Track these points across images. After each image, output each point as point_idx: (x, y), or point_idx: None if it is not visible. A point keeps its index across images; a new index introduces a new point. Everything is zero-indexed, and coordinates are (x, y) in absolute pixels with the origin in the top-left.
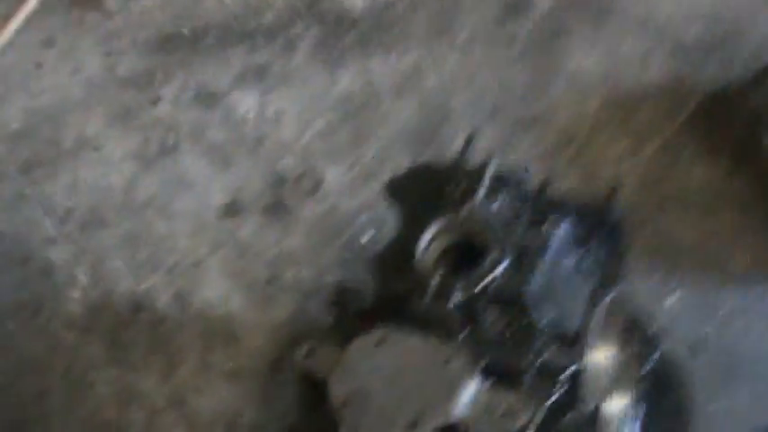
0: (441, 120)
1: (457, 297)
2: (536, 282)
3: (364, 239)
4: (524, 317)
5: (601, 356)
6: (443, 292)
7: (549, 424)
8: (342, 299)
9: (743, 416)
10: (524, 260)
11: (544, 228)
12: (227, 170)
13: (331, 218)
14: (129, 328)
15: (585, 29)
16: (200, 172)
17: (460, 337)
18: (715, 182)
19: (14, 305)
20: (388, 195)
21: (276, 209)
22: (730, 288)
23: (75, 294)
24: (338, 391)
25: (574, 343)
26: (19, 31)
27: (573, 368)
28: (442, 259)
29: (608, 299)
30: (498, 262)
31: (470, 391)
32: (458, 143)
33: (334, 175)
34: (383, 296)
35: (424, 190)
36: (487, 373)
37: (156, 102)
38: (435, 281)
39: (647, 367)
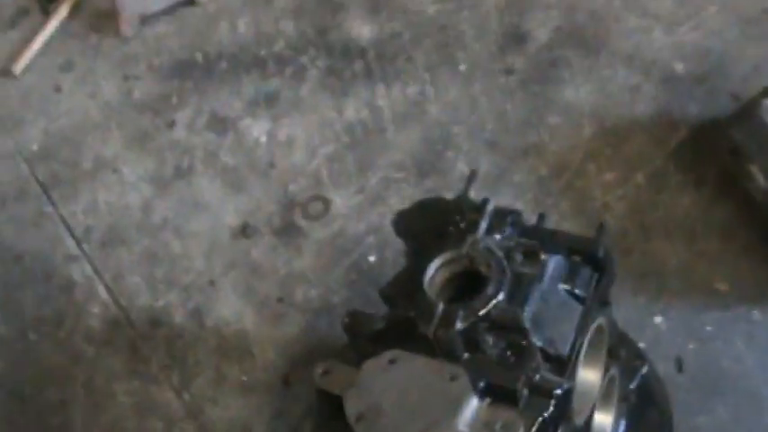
0: (442, 148)
1: (460, 323)
2: (531, 308)
3: (370, 260)
4: (520, 340)
5: (590, 375)
6: (448, 318)
7: None
8: (355, 323)
9: (725, 430)
10: (520, 289)
11: (538, 259)
12: (240, 193)
13: (339, 239)
14: (147, 342)
15: (579, 62)
16: (214, 194)
17: (463, 358)
18: (699, 210)
19: (37, 319)
20: (395, 229)
21: (287, 230)
22: (712, 309)
23: (96, 309)
24: (353, 406)
25: (565, 364)
26: (38, 56)
27: (564, 387)
28: (446, 288)
29: (597, 322)
30: (497, 291)
31: (472, 407)
32: (458, 170)
33: (341, 199)
34: (393, 321)
35: (430, 224)
36: (487, 391)
37: (171, 125)
38: (440, 308)
39: (634, 383)
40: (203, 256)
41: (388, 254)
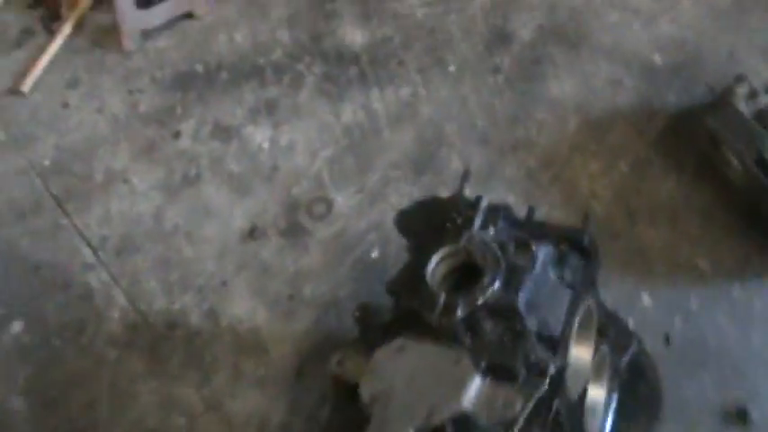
0: (436, 146)
1: (461, 310)
2: (524, 295)
3: (373, 255)
4: (516, 324)
5: (582, 353)
6: (449, 308)
7: (540, 413)
8: (365, 315)
9: (711, 399)
10: (514, 278)
11: (530, 250)
12: (246, 197)
13: (342, 237)
14: (166, 343)
15: (562, 58)
16: (222, 200)
17: (465, 343)
18: (681, 194)
19: (59, 326)
20: (398, 227)
21: (293, 231)
22: (696, 287)
23: (115, 314)
24: (367, 391)
25: (558, 344)
26: (45, 74)
27: (557, 365)
28: (447, 280)
29: (586, 304)
30: (493, 281)
31: (474, 387)
32: (452, 166)
33: (343, 199)
34: (400, 312)
35: (429, 222)
36: (488, 372)
37: (177, 136)
38: (442, 298)
39: (624, 360)
40: (215, 258)
41: (389, 249)
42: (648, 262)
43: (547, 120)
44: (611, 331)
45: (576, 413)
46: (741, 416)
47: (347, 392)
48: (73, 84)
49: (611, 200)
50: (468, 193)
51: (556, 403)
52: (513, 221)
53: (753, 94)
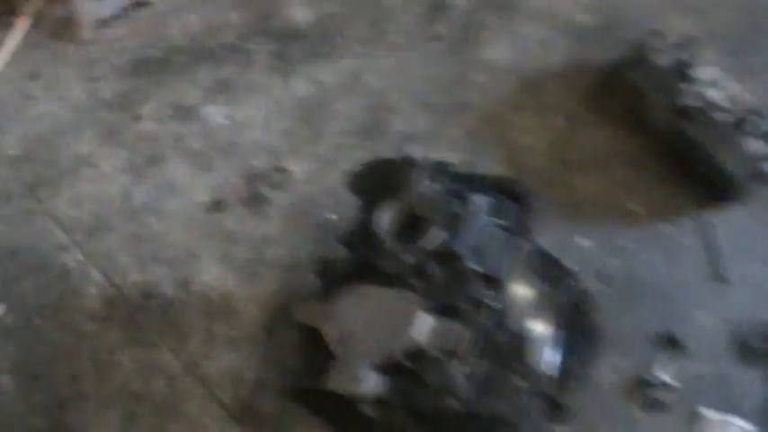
0: (383, 112)
1: (410, 257)
2: (468, 240)
3: (330, 218)
4: (459, 267)
5: (523, 291)
6: (399, 255)
7: (484, 344)
8: (324, 268)
9: (645, 328)
10: (456, 225)
11: (468, 200)
12: (209, 172)
13: (301, 203)
14: (142, 313)
15: (496, 23)
16: (185, 176)
17: (415, 286)
18: (612, 145)
19: (39, 306)
20: (350, 188)
21: (254, 200)
22: (629, 228)
23: (92, 290)
24: (331, 334)
25: (499, 282)
26: (6, 68)
27: (499, 301)
28: (395, 230)
29: (522, 246)
30: (436, 229)
31: (425, 324)
32: (398, 131)
33: (299, 168)
34: (356, 263)
35: (378, 181)
36: (437, 310)
37: (138, 119)
38: (393, 247)
39: (565, 297)
40: (182, 231)
41: (344, 211)
42: (584, 207)
43: (485, 82)
44: (551, 271)
45: (518, 345)
46: (671, 341)
47: (313, 338)
48: (34, 76)
49: (548, 153)
50: (414, 153)
51: (498, 335)
52: (453, 176)
53: (668, 48)
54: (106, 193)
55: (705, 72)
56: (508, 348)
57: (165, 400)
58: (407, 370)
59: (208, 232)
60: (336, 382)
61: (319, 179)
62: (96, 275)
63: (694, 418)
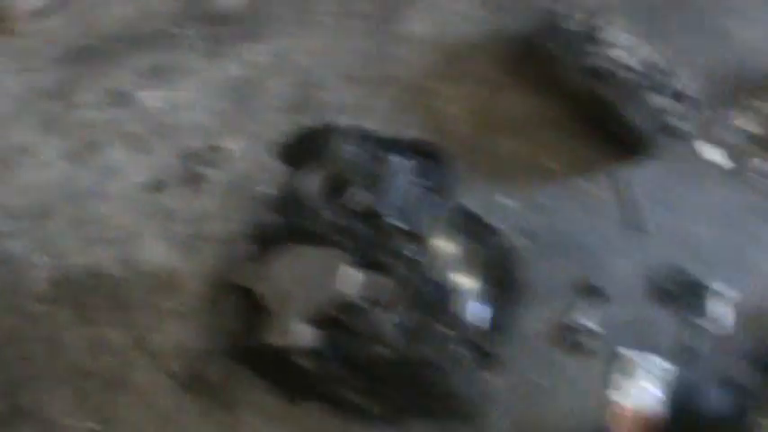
0: (312, 89)
1: (336, 217)
2: (390, 200)
3: (264, 191)
4: (383, 224)
5: (446, 246)
6: (326, 216)
7: (410, 295)
8: (259, 233)
9: (568, 279)
10: (378, 186)
11: (389, 162)
12: (147, 154)
13: (236, 179)
14: (90, 293)
15: None
16: (125, 159)
17: (343, 244)
18: (530, 109)
19: None
20: (280, 157)
21: (192, 179)
22: (550, 185)
23: (39, 274)
24: (266, 293)
25: (421, 238)
26: None
27: (421, 254)
28: (324, 194)
29: (446, 205)
30: (359, 190)
31: (352, 277)
32: (327, 106)
33: (234, 145)
34: (287, 226)
35: (306, 149)
36: (363, 264)
37: (76, 107)
38: (319, 209)
39: (491, 253)
40: (125, 212)
41: (278, 184)
42: (506, 169)
43: (408, 55)
44: (475, 229)
45: (444, 295)
46: (592, 289)
47: (251, 300)
48: None
49: (471, 119)
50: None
51: (423, 286)
52: (375, 141)
53: (579, 15)
54: (48, 180)
55: (614, 36)
56: (434, 298)
57: (114, 376)
58: (338, 321)
59: (149, 212)
60: (273, 337)
61: (253, 155)
62: (43, 259)
63: (615, 358)
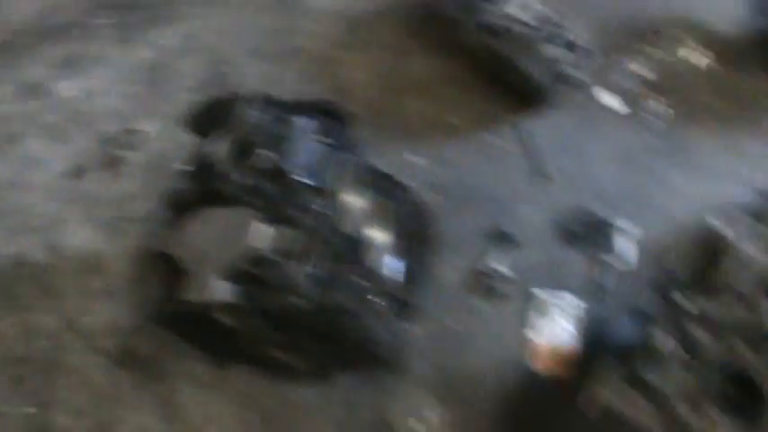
0: (222, 66)
1: (244, 178)
2: (295, 158)
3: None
4: (289, 181)
5: (355, 201)
6: (236, 178)
7: (321, 247)
8: (173, 200)
9: (477, 227)
10: (283, 145)
11: (291, 123)
12: (65, 143)
13: (154, 159)
14: (17, 281)
15: None
16: (44, 149)
17: (253, 203)
18: (434, 70)
19: None
20: (188, 127)
21: (111, 163)
22: (456, 142)
23: None
24: (183, 256)
25: (327, 193)
26: None
27: (328, 210)
28: (232, 157)
29: (351, 161)
30: (265, 150)
31: (263, 232)
32: (238, 82)
33: (150, 127)
34: (199, 191)
35: (212, 118)
36: (273, 220)
37: None
38: (229, 170)
39: (402, 209)
40: (47, 201)
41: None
42: (415, 128)
43: (314, 27)
44: (384, 185)
45: (356, 247)
46: (503, 236)
47: (170, 265)
48: None
49: (377, 84)
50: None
51: (333, 238)
52: (278, 105)
53: None
54: None
55: None
56: (346, 250)
57: (48, 359)
58: (252, 275)
59: (71, 198)
60: (192, 295)
61: (168, 135)
62: None
63: (529, 299)
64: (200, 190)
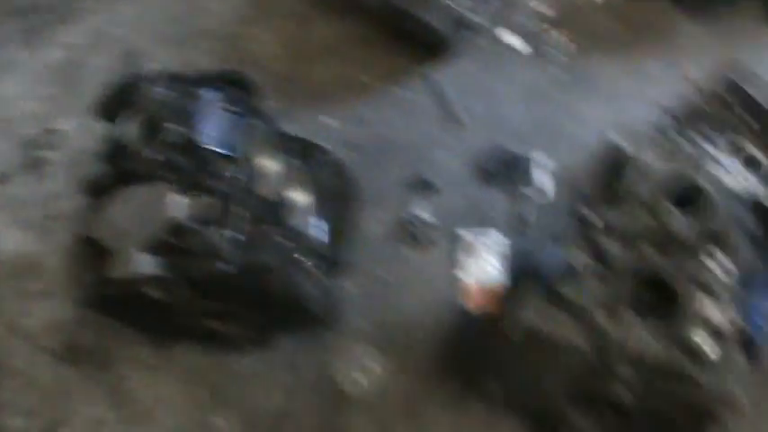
0: (132, 56)
1: (156, 154)
2: (205, 129)
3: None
4: (201, 152)
5: (270, 165)
6: (148, 156)
7: (239, 211)
8: (91, 185)
9: (397, 178)
10: (190, 118)
11: (197, 95)
12: None
13: (76, 156)
14: None
15: None
16: None
17: (167, 177)
18: (340, 33)
19: None
20: (97, 115)
21: (34, 165)
22: (368, 99)
23: None
24: (106, 235)
25: (238, 161)
26: None
27: (237, 174)
28: (141, 137)
29: (260, 127)
30: (172, 124)
31: (179, 202)
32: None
33: (69, 125)
34: (115, 173)
35: (119, 98)
36: (188, 190)
37: None
38: (140, 150)
39: (320, 170)
40: None
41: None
42: (326, 92)
43: (218, 7)
44: (301, 149)
45: (277, 210)
46: (423, 184)
47: (96, 249)
48: None
49: (285, 53)
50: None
51: (250, 202)
52: (183, 80)
53: None
54: None
55: None
56: (265, 212)
57: None
58: (173, 246)
59: None
60: (116, 272)
61: (87, 131)
62: None
63: (456, 241)
64: (115, 172)
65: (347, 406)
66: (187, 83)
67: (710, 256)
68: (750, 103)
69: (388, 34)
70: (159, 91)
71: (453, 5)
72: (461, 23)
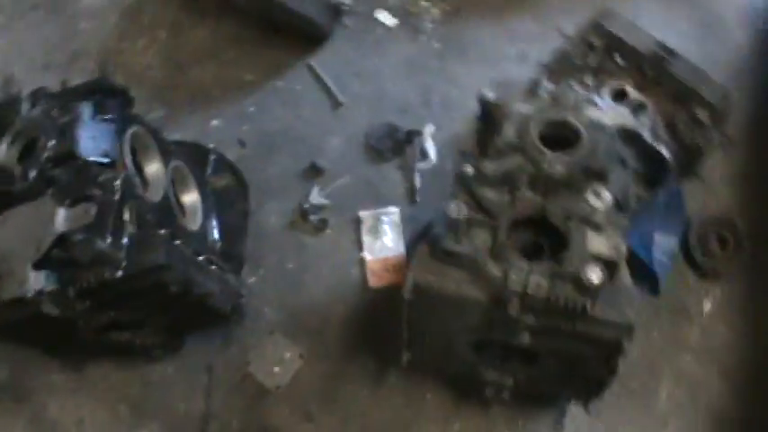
0: (7, 84)
1: (35, 171)
2: (79, 140)
3: None
4: (78, 163)
5: (151, 167)
6: (25, 174)
7: (117, 215)
8: None
9: (290, 168)
10: (66, 131)
11: (72, 108)
12: None
13: None
14: None
15: None
16: None
17: (47, 193)
18: (214, 36)
19: None
20: None
21: None
22: (250, 96)
23: None
24: None
25: (114, 166)
26: None
27: (120, 177)
28: (18, 156)
29: (137, 131)
30: (48, 140)
31: (60, 214)
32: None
33: None
34: None
35: None
36: (70, 203)
37: None
38: (14, 167)
39: (209, 169)
40: None
41: None
42: (209, 95)
43: (92, 27)
44: (188, 152)
45: (162, 213)
46: (314, 168)
47: None
48: None
49: (161, 63)
50: None
51: (134, 205)
52: (53, 95)
53: None
54: None
55: None
56: (152, 215)
57: None
58: (61, 258)
59: None
60: (8, 293)
61: None
62: None
63: (355, 221)
64: None
65: (268, 398)
66: (58, 98)
67: (590, 191)
68: (616, 43)
69: (265, 30)
70: (33, 110)
71: None
72: (336, 9)
